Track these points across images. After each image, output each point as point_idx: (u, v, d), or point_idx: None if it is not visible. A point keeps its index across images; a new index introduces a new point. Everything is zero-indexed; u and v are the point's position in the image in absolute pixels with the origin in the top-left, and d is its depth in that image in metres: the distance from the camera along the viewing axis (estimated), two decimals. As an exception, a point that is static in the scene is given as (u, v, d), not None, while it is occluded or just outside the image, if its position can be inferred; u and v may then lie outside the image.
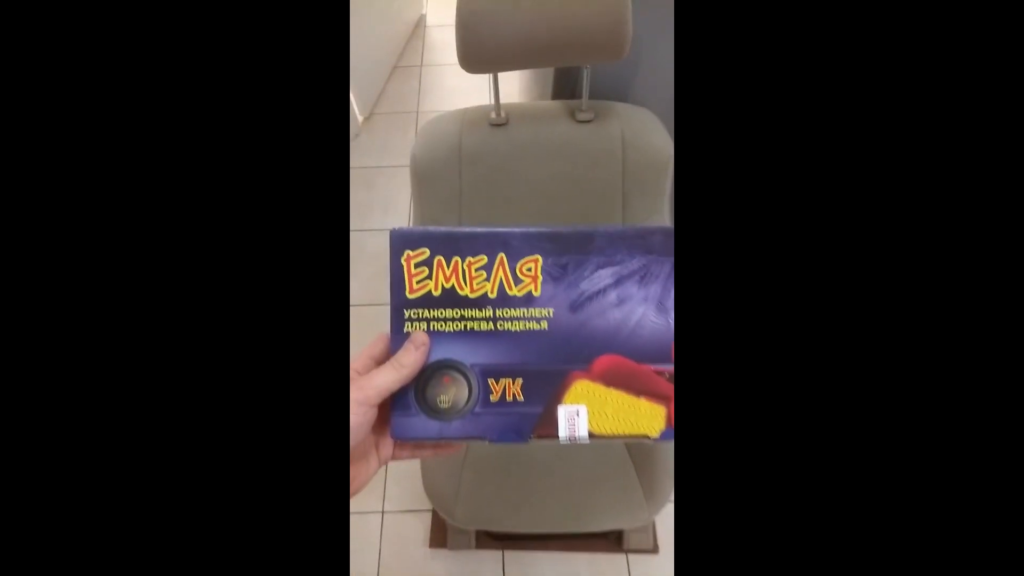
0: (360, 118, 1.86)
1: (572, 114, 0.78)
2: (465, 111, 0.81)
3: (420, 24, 2.19)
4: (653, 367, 0.37)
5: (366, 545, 1.14)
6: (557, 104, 0.80)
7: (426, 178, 0.81)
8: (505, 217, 0.86)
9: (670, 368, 0.37)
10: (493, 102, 0.78)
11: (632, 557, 1.10)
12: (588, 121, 0.78)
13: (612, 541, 1.11)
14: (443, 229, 0.38)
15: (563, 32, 0.65)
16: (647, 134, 0.78)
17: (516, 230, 0.38)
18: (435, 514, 1.14)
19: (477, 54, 0.65)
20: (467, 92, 1.91)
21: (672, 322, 0.38)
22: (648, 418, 0.37)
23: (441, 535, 1.12)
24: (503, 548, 1.11)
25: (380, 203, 1.70)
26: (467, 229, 0.38)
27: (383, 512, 1.17)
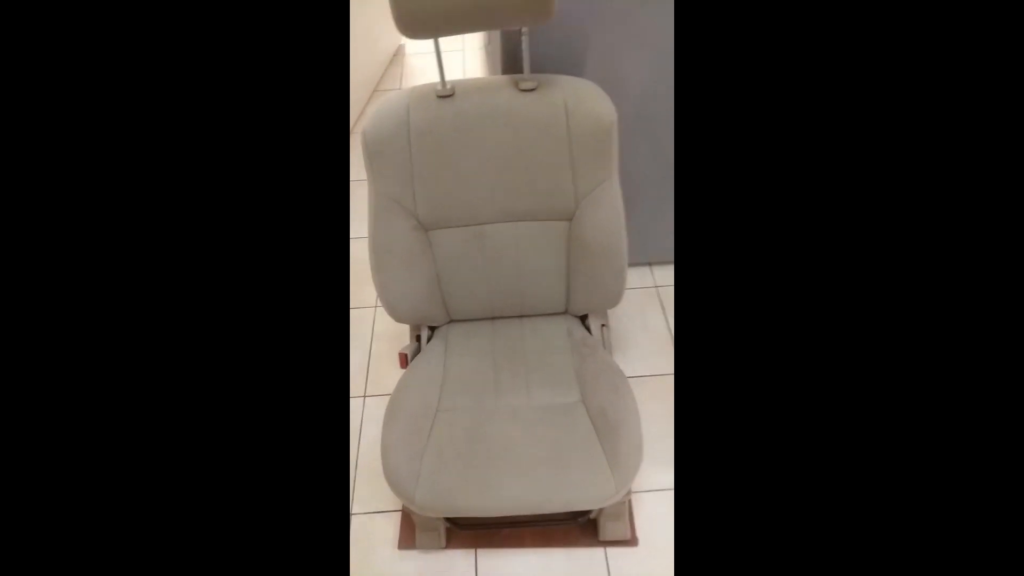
0: (338, 137, 1.91)
1: (516, 84, 0.81)
2: (413, 88, 0.84)
3: (399, 53, 2.29)
4: None
5: (334, 550, 1.09)
6: (503, 77, 0.83)
7: (377, 154, 0.83)
8: (458, 191, 0.87)
9: None
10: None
11: (610, 551, 1.05)
12: (531, 90, 0.80)
13: (589, 534, 1.06)
14: None
15: None
16: (589, 101, 0.81)
17: None
18: (404, 514, 1.10)
19: (411, 16, 0.68)
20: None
21: None
22: None
23: (410, 536, 1.07)
24: (476, 547, 1.06)
25: (357, 213, 1.72)
26: None
27: (351, 514, 1.12)
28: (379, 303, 1.44)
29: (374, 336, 1.39)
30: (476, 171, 0.85)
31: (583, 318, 1.08)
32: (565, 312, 1.08)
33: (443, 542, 1.05)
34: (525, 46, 0.77)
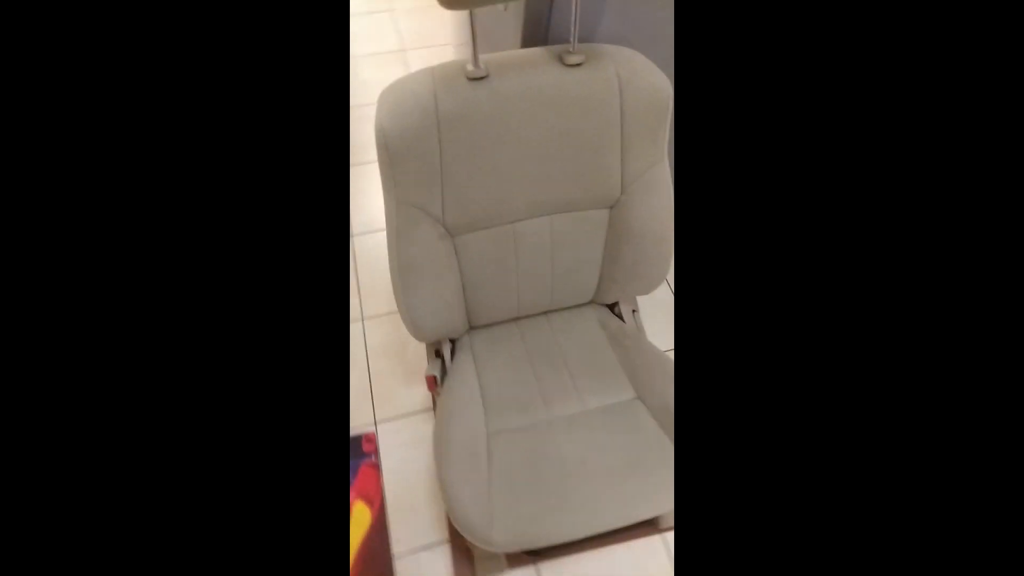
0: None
1: (560, 59, 0.69)
2: (433, 68, 0.69)
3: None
4: None
5: (379, 599, 0.98)
6: (539, 50, 0.71)
7: (400, 153, 0.68)
8: (491, 188, 0.75)
9: None
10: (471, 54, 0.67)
11: (667, 536, 1.04)
12: (579, 64, 0.69)
13: (647, 524, 1.04)
14: None
15: None
16: (644, 73, 0.71)
17: None
18: (454, 544, 1.01)
19: None
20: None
21: None
22: None
23: (467, 566, 0.98)
24: (536, 560, 1.01)
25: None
26: None
27: (391, 556, 1.01)
28: (366, 315, 1.28)
29: (369, 352, 1.24)
30: (513, 163, 0.73)
31: (611, 306, 1.02)
32: (591, 302, 1.01)
33: (505, 564, 0.98)
34: (575, 9, 0.65)
